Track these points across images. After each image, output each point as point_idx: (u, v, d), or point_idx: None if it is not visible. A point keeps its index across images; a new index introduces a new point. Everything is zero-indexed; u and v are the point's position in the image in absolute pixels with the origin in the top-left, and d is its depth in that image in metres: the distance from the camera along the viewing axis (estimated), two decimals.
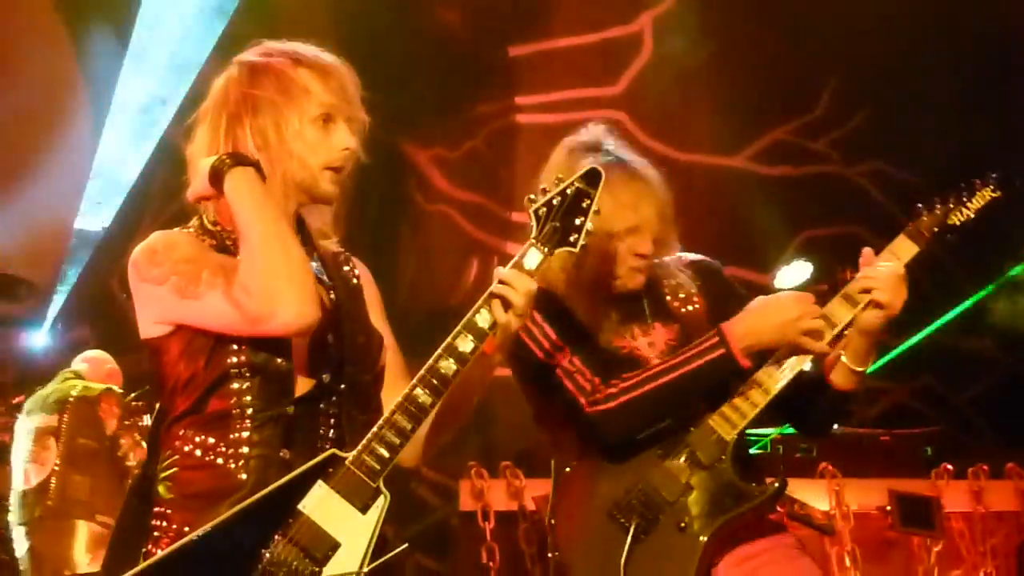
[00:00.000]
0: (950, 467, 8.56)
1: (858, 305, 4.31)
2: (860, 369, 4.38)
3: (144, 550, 3.57)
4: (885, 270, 4.30)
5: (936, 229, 4.42)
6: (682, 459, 4.34)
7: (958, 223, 4.42)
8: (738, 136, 10.72)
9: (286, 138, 3.65)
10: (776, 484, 4.42)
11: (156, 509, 3.61)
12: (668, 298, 4.59)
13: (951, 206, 4.43)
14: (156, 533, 3.58)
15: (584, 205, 3.66)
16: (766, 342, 4.29)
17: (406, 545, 3.78)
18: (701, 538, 4.29)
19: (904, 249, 4.39)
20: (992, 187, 4.46)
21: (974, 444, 9.52)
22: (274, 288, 3.49)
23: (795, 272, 9.18)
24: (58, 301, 11.28)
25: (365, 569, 3.54)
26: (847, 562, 7.58)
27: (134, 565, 3.50)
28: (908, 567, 8.27)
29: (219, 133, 3.68)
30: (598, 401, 4.36)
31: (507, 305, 3.59)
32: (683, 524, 4.31)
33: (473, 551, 7.91)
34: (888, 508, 8.12)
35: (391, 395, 3.76)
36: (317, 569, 3.50)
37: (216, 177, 3.60)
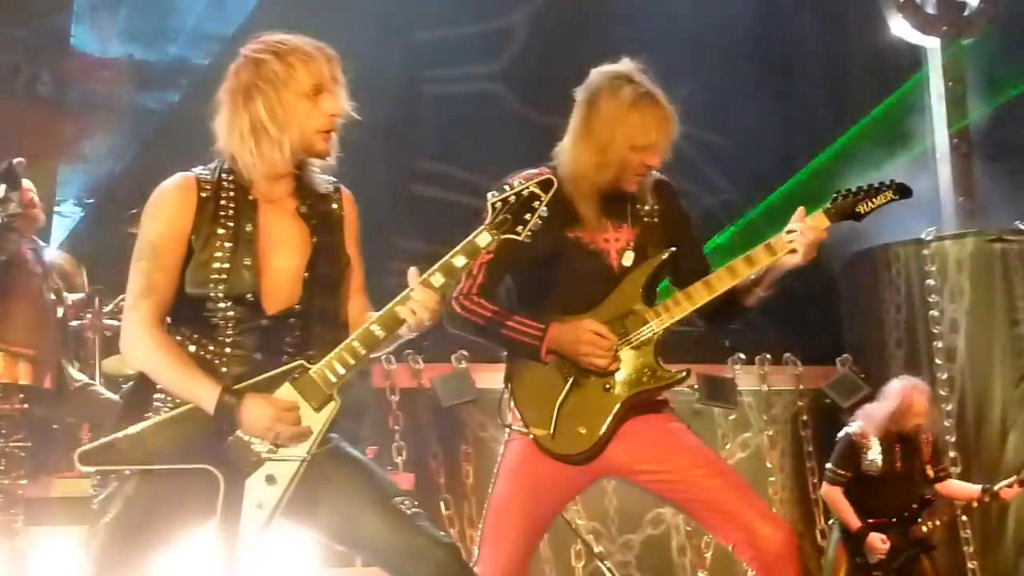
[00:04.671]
0: (743, 355, 9.98)
1: (777, 254, 4.69)
2: (764, 295, 4.82)
3: (146, 415, 3.93)
4: (811, 232, 4.70)
5: (845, 211, 4.83)
6: (619, 339, 4.71)
7: (862, 211, 4.83)
8: None
9: (286, 111, 3.97)
10: (683, 373, 4.82)
11: (158, 387, 3.96)
12: (638, 206, 4.88)
13: (860, 197, 4.84)
14: (157, 404, 3.95)
15: (535, 205, 4.00)
16: (564, 352, 4.70)
17: None
18: (618, 400, 4.71)
19: (820, 221, 4.75)
20: (893, 191, 4.88)
21: (760, 338, 10.38)
22: (125, 347, 3.96)
23: None
24: None
25: (309, 454, 3.91)
26: None
27: (138, 422, 3.89)
28: (710, 431, 9.57)
29: (238, 112, 4.00)
30: (459, 301, 4.76)
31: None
32: (608, 386, 4.73)
33: (383, 419, 8.95)
34: (695, 386, 9.40)
35: (351, 305, 4.20)
36: (274, 447, 3.90)
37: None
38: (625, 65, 4.84)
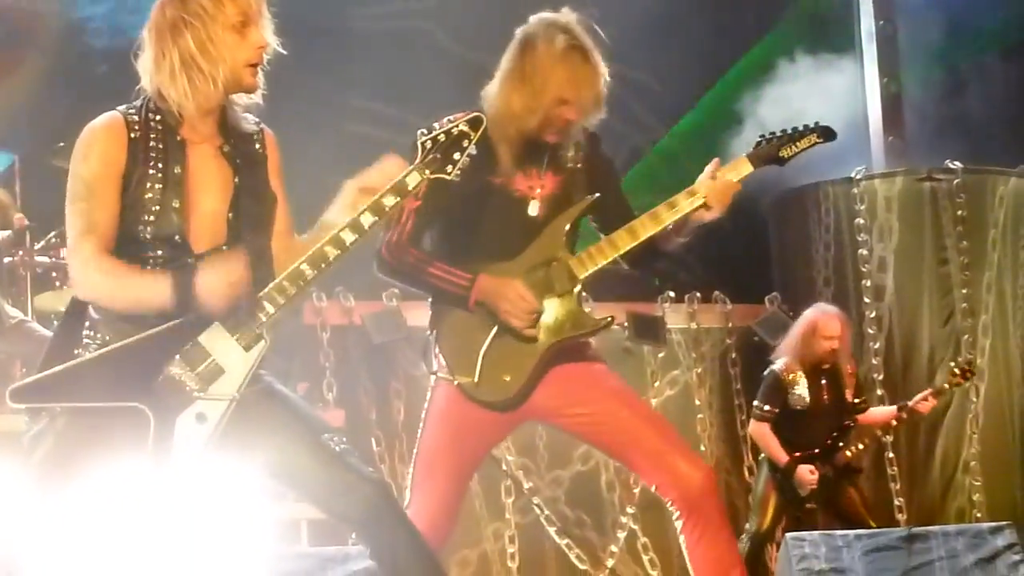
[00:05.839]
0: (672, 293, 9.95)
1: (697, 199, 4.73)
2: (683, 241, 4.89)
3: (76, 351, 3.95)
4: (721, 182, 4.75)
5: (768, 156, 4.87)
6: (541, 287, 4.74)
7: (786, 156, 4.88)
8: None
9: (216, 45, 3.95)
10: (606, 320, 4.88)
11: (87, 323, 3.99)
12: (563, 153, 4.88)
13: (784, 142, 4.89)
14: (86, 340, 3.98)
15: (464, 144, 4.03)
16: (488, 304, 4.71)
17: None
18: (543, 348, 4.77)
19: (743, 167, 4.83)
20: (817, 134, 4.92)
21: (689, 277, 10.61)
22: (77, 285, 3.95)
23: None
24: None
25: (239, 393, 3.92)
26: None
27: (68, 360, 3.91)
28: (639, 369, 9.61)
29: (167, 47, 3.97)
30: (388, 249, 4.77)
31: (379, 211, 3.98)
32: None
33: (314, 355, 8.94)
34: (625, 325, 9.43)
35: (277, 244, 4.15)
36: (204, 387, 3.90)
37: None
38: (565, 16, 4.83)
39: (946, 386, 8.84)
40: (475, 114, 4.11)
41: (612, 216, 4.94)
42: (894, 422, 8.69)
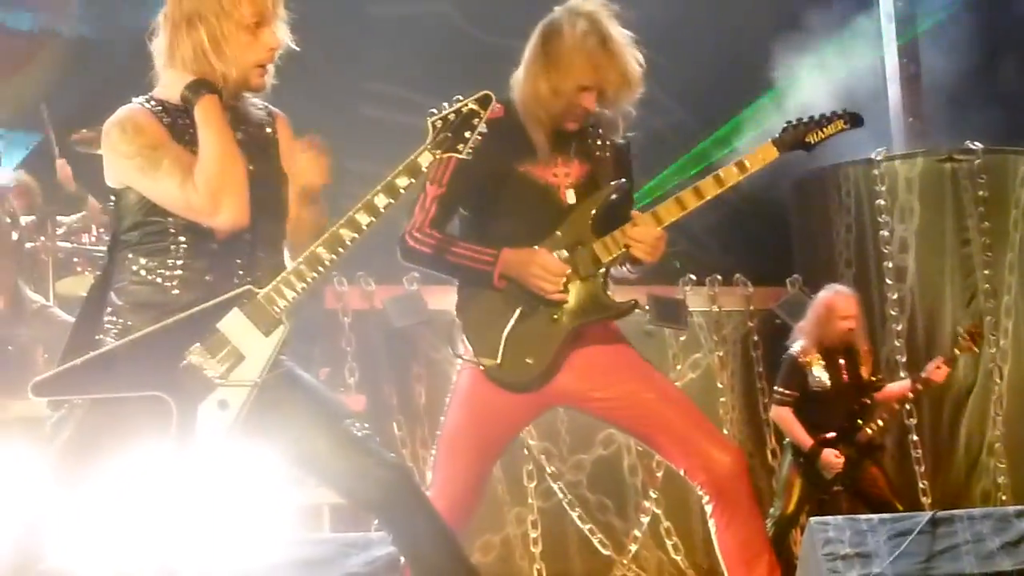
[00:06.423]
0: (693, 276, 9.92)
1: (747, 171, 4.79)
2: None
3: (97, 337, 4.00)
4: (646, 232, 4.76)
5: (794, 142, 4.89)
6: (569, 269, 4.78)
7: (812, 141, 4.89)
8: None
9: (228, 43, 3.98)
10: (629, 303, 4.92)
11: (108, 309, 4.03)
12: (590, 141, 4.94)
13: (811, 127, 4.90)
14: (108, 325, 4.01)
15: (474, 122, 4.05)
16: (513, 276, 4.74)
17: None
18: (566, 330, 4.81)
19: (769, 152, 4.85)
20: (844, 120, 4.93)
21: (710, 259, 10.55)
22: (220, 195, 3.90)
23: None
24: None
25: (260, 379, 3.94)
26: None
27: (89, 347, 3.95)
28: (661, 352, 9.58)
29: (181, 39, 4.01)
30: (411, 235, 4.82)
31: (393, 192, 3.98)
32: (555, 316, 4.82)
33: (335, 340, 8.95)
34: (646, 307, 9.34)
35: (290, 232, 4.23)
36: (225, 373, 3.92)
37: (185, 101, 4.00)
38: (592, 3, 4.84)
39: (957, 352, 8.75)
40: (484, 93, 4.10)
41: (623, 209, 4.93)
42: (910, 394, 8.62)
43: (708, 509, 4.85)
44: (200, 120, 3.97)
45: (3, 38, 10.74)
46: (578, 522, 9.19)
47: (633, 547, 9.35)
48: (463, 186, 4.80)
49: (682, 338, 9.86)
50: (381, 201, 3.96)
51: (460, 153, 4.04)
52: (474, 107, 4.06)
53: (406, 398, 9.08)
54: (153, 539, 3.99)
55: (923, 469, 9.67)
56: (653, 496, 9.42)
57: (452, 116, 4.04)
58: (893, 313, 9.94)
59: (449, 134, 4.03)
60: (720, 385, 9.92)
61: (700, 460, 4.79)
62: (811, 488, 8.39)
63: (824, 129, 4.92)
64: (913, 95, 11.09)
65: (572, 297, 4.83)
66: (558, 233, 4.85)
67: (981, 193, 10.09)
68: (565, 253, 4.82)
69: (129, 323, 3.97)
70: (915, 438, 9.69)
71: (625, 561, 9.30)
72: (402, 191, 4.00)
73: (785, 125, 4.93)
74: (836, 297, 8.50)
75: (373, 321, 9.16)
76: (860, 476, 8.35)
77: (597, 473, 9.42)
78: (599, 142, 4.97)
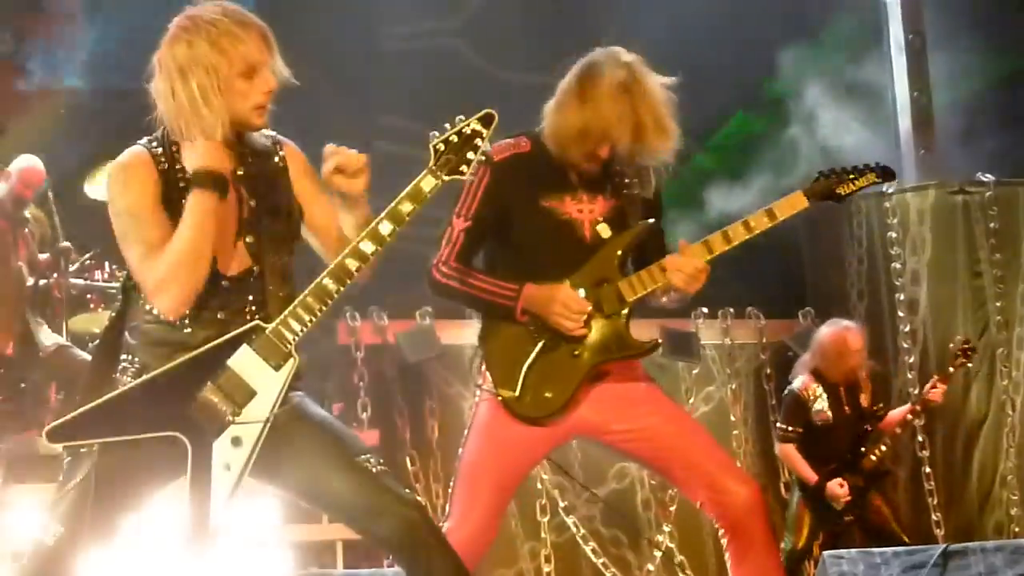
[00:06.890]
0: (705, 309, 9.95)
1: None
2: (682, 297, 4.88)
3: (114, 376, 4.04)
4: (689, 264, 4.72)
5: (825, 193, 4.90)
6: (591, 307, 4.77)
7: (843, 193, 4.89)
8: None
9: (222, 92, 3.94)
10: (651, 343, 4.95)
11: (124, 348, 4.11)
12: (617, 179, 4.92)
13: (843, 179, 4.91)
14: (123, 364, 4.08)
15: (477, 142, 4.01)
16: (535, 311, 4.75)
17: None
18: (586, 367, 4.79)
19: (799, 202, 4.88)
20: (877, 174, 4.92)
21: (723, 292, 9.97)
22: (166, 284, 3.87)
23: None
24: None
25: (272, 414, 3.92)
26: None
27: (107, 386, 3.96)
28: (674, 384, 9.58)
29: (176, 88, 3.95)
30: (439, 268, 4.84)
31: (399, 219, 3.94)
32: (576, 352, 4.80)
33: (348, 375, 9.00)
34: (659, 341, 9.38)
35: (326, 242, 4.21)
36: (237, 410, 3.90)
37: (187, 181, 3.97)
38: (631, 55, 4.82)
39: (951, 370, 8.70)
40: (486, 111, 4.06)
41: (650, 249, 4.92)
42: (910, 417, 8.60)
43: (724, 542, 4.84)
44: (188, 208, 3.93)
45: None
46: (591, 556, 9.17)
47: None
48: (490, 219, 4.85)
49: (695, 371, 9.87)
50: (385, 228, 3.94)
51: (463, 175, 4.01)
52: (477, 127, 4.03)
53: (419, 433, 9.08)
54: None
55: (936, 501, 9.65)
56: (666, 530, 9.39)
57: (454, 138, 4.01)
58: (905, 345, 9.93)
59: (452, 156, 4.00)
60: (733, 418, 9.92)
61: (716, 493, 4.79)
62: (821, 521, 8.37)
63: (856, 182, 4.92)
64: (924, 127, 11.02)
65: (595, 334, 4.83)
66: (583, 269, 4.84)
67: (992, 225, 10.12)
68: (586, 291, 4.81)
69: (144, 362, 3.98)
70: (928, 470, 9.68)
71: None
72: (406, 217, 3.97)
73: (817, 176, 4.94)
74: (846, 333, 8.48)
75: (386, 356, 9.20)
76: (865, 509, 8.33)
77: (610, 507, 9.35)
78: (627, 180, 4.95)
